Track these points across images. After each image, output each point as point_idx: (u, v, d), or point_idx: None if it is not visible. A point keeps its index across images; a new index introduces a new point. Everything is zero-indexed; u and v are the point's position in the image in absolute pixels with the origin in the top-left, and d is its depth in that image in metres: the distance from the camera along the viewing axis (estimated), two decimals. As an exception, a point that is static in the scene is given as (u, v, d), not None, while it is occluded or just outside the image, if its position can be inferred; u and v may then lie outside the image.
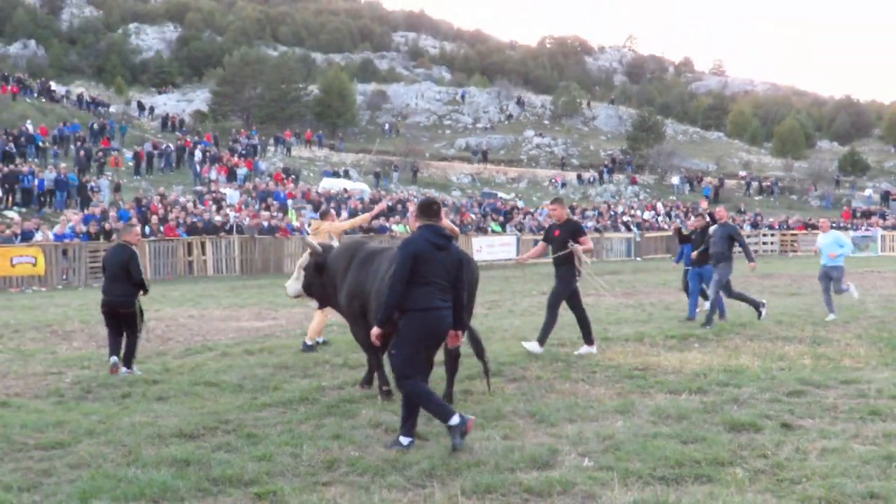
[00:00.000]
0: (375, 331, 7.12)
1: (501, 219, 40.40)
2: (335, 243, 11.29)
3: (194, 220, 29.01)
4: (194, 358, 11.64)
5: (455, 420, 6.80)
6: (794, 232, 45.02)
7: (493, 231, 37.98)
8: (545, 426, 7.49)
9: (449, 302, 7.07)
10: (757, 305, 14.62)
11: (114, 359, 10.41)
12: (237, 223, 29.83)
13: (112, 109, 65.47)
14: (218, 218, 29.89)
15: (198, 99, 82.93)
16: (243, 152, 52.37)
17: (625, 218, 44.85)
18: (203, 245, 28.13)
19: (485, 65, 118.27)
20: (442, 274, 7.01)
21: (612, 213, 46.19)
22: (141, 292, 10.58)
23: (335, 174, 54.49)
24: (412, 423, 7.03)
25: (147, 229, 26.96)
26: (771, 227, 46.72)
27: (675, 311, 16.43)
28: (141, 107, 72.94)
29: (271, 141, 64.10)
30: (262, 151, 57.60)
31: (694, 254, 15.12)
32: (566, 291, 11.36)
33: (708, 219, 15.91)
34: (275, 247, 29.78)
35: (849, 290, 15.41)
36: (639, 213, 48.01)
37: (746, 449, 6.64)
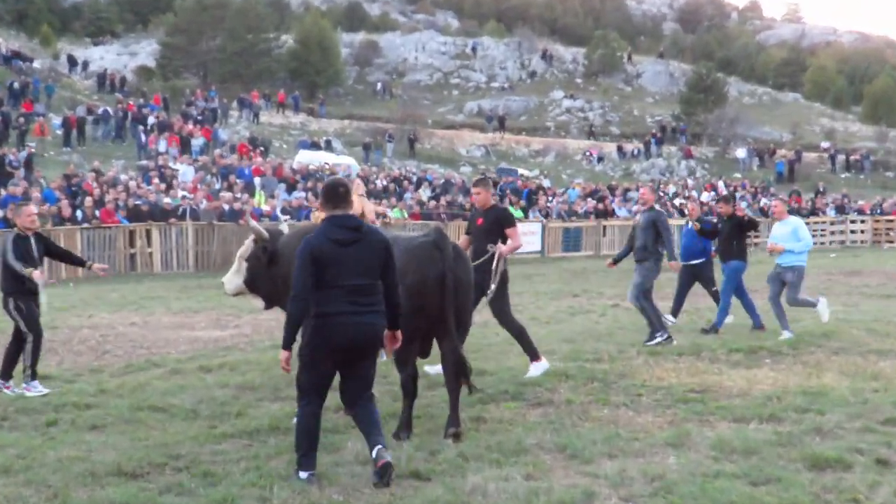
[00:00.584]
0: (284, 355, 7.23)
1: (523, 202, 40.33)
2: (284, 227, 11.31)
3: (138, 202, 28.99)
4: (137, 376, 11.61)
5: (303, 475, 7.07)
6: (890, 218, 44.82)
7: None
8: (578, 463, 7.47)
9: (368, 305, 7.12)
10: (655, 330, 13.73)
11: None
12: (191, 207, 29.82)
13: (36, 65, 65.39)
14: (167, 200, 29.87)
15: (143, 52, 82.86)
16: (199, 118, 52.33)
17: (677, 201, 44.81)
18: (149, 234, 28.11)
19: (501, 9, 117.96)
20: (354, 273, 7.06)
21: (662, 194, 46.13)
22: (33, 273, 10.58)
23: (314, 146, 54.49)
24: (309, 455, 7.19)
25: (79, 214, 26.94)
26: (861, 211, 46.59)
27: (741, 318, 16.36)
28: (72, 61, 72.86)
29: (234, 104, 64.09)
30: (222, 117, 57.60)
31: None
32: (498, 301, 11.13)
33: (735, 205, 16.25)
34: (238, 237, 29.61)
35: (816, 305, 14.64)
36: (695, 194, 47.97)
37: (832, 491, 6.60)
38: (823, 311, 14.61)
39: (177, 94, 60.92)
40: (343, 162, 46.69)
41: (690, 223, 16.45)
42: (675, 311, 16.38)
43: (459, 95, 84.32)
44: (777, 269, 14.51)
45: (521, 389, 10.08)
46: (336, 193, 7.24)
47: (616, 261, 15.14)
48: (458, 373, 8.46)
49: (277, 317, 16.56)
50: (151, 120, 47.59)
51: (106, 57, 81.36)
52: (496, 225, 11.08)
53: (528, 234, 35.84)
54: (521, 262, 32.10)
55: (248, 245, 10.12)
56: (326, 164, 44.07)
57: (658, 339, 13.40)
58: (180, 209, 29.51)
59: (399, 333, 7.51)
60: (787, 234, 14.42)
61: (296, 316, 7.04)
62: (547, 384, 10.32)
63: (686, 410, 9.17)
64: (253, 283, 10.13)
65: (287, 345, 7.13)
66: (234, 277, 10.27)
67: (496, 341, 13.72)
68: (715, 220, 17.59)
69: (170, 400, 10.02)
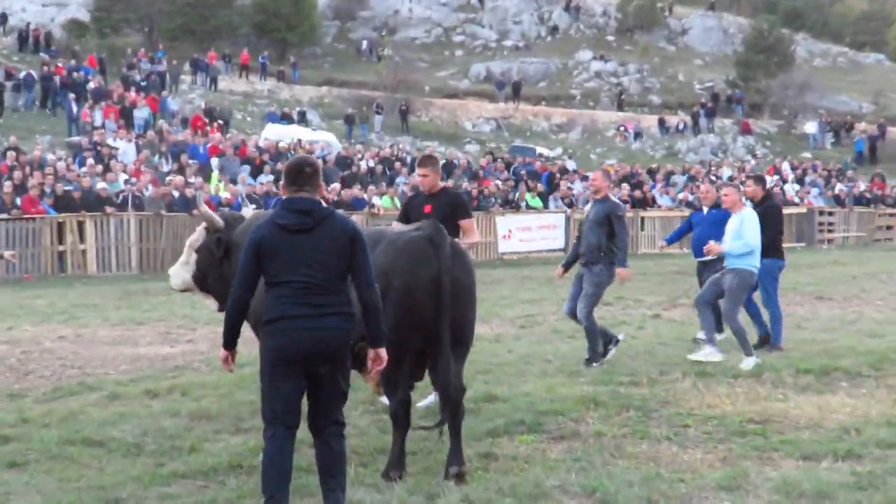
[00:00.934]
0: (222, 353, 7.42)
1: (542, 187, 40.32)
2: (248, 212, 11.30)
3: (68, 188, 28.98)
4: (67, 402, 11.61)
5: None
6: None
7: (530, 207, 37.93)
8: (610, 510, 7.45)
9: (327, 307, 7.12)
10: (593, 357, 13.60)
11: None
12: (134, 194, 29.83)
13: (-58, 18, 65.63)
14: (104, 185, 29.86)
15: (74, 2, 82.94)
16: (144, 84, 52.35)
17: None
18: (81, 227, 28.11)
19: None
20: (304, 266, 7.07)
21: (713, 178, 46.07)
22: None
23: (285, 118, 54.49)
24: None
25: (-5, 203, 26.97)
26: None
27: (810, 332, 16.40)
28: (-13, 14, 73.10)
29: (187, 67, 64.12)
30: (172, 83, 57.64)
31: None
32: None
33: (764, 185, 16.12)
34: (192, 231, 29.72)
35: (745, 352, 13.55)
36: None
37: (924, 546, 6.61)
38: (748, 362, 13.33)
39: (116, 54, 60.98)
40: (321, 138, 46.72)
41: (705, 210, 16.38)
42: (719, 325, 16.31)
43: (464, 57, 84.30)
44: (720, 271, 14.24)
45: (539, 419, 10.08)
46: (300, 173, 7.25)
47: (566, 266, 14.80)
48: (457, 400, 8.42)
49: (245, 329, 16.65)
50: (82, 87, 47.50)
51: (28, 9, 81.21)
52: (447, 214, 10.81)
53: (548, 228, 36.05)
54: (540, 262, 32.11)
55: (199, 233, 10.14)
56: (300, 140, 44.06)
57: (594, 366, 13.31)
58: (120, 196, 29.52)
59: (383, 352, 7.44)
60: (736, 227, 13.94)
61: (229, 319, 7.21)
62: (573, 413, 10.33)
63: (743, 445, 9.18)
64: (203, 280, 10.14)
65: (227, 344, 7.31)
66: (181, 270, 10.30)
67: (509, 359, 13.75)
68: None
69: (108, 432, 10.01)
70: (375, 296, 7.29)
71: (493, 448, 9.21)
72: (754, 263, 13.73)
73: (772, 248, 14.85)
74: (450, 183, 36.95)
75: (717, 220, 15.04)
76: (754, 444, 9.16)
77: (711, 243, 14.06)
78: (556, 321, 18.66)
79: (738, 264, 13.59)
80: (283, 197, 7.25)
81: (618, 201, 14.68)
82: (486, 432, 9.60)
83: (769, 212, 15.19)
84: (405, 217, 11.30)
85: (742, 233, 13.64)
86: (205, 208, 10.40)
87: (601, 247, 13.60)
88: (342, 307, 7.15)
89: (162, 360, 14.63)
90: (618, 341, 13.97)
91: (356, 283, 7.19)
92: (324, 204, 7.28)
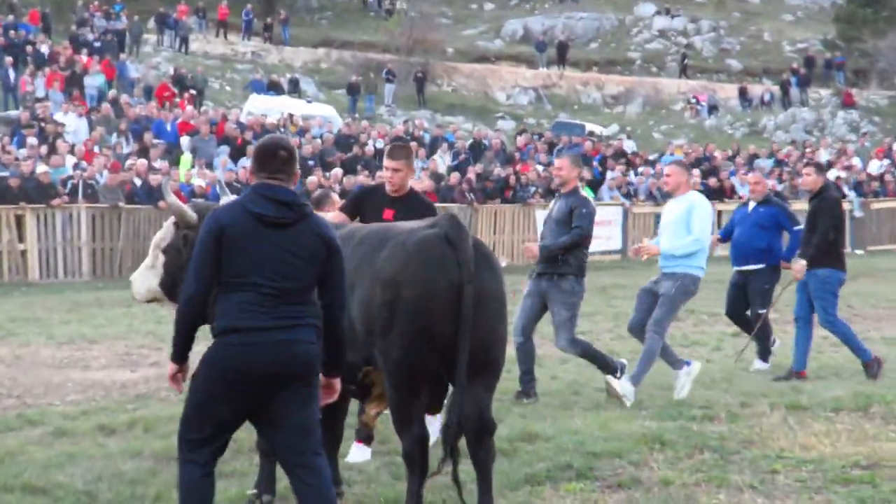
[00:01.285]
0: (171, 368, 7.50)
1: (594, 174, 40.33)
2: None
3: (3, 174, 29.11)
4: (4, 439, 11.65)
5: None
6: None
7: (579, 197, 37.96)
8: (681, 576, 7.47)
9: (295, 318, 7.13)
10: (613, 369, 13.56)
11: None
12: (85, 181, 29.92)
13: None
14: (47, 170, 29.96)
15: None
16: (98, 45, 52.54)
17: (832, 172, 44.71)
18: (20, 222, 28.22)
19: None
20: (273, 269, 7.08)
21: (808, 161, 45.97)
22: None
23: (272, 88, 54.64)
24: None
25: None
26: None
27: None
28: None
29: (151, 24, 64.34)
30: (133, 44, 57.83)
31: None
32: None
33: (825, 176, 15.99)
34: (157, 227, 29.80)
35: (677, 368, 13.70)
36: (858, 162, 47.84)
37: None
38: (682, 384, 13.64)
39: (63, 8, 61.19)
40: (318, 113, 46.85)
41: (751, 204, 16.27)
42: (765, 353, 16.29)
43: (496, 11, 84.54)
44: (659, 277, 13.94)
45: (591, 463, 10.08)
46: (274, 156, 7.25)
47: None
48: (484, 437, 8.38)
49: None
50: (21, 49, 47.75)
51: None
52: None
53: (602, 225, 35.90)
54: (592, 267, 31.96)
55: (166, 230, 10.15)
56: (291, 116, 44.14)
57: (614, 384, 13.15)
58: (69, 184, 29.62)
59: (337, 382, 7.51)
60: (679, 218, 13.64)
61: (183, 324, 7.23)
62: (631, 454, 10.34)
63: (847, 495, 9.16)
64: (173, 287, 10.09)
65: (178, 357, 7.37)
66: (146, 276, 10.26)
67: (554, 388, 13.77)
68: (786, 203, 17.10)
69: (53, 476, 10.01)
70: (345, 321, 7.42)
71: (532, 498, 9.20)
72: (697, 265, 13.56)
73: (829, 254, 14.67)
74: (479, 168, 37.14)
75: (764, 219, 15.05)
76: (860, 495, 9.14)
77: (644, 242, 14.31)
78: (611, 340, 18.73)
79: (679, 268, 13.50)
80: (259, 182, 7.22)
81: (586, 197, 14.03)
82: (524, 479, 9.59)
83: (824, 205, 15.01)
84: (354, 215, 11.05)
85: (691, 225, 13.44)
86: (173, 199, 10.37)
87: (560, 251, 13.35)
88: (312, 319, 7.15)
89: (120, 387, 14.70)
90: (623, 368, 13.67)
91: (327, 301, 7.21)
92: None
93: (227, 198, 10.85)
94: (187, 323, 7.18)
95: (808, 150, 49.71)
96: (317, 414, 7.32)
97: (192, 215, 9.74)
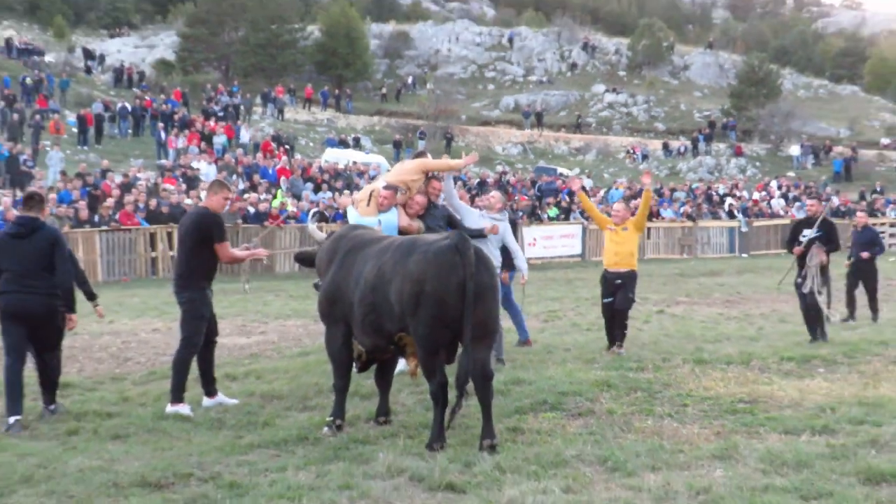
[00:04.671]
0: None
1: (563, 202, 40.27)
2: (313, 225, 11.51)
3: (158, 204, 29.19)
4: (160, 384, 11.68)
5: (11, 420, 9.25)
6: (956, 219, 44.49)
7: (551, 218, 37.92)
8: (620, 476, 7.53)
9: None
10: None
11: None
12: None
13: (50, 59, 65.99)
14: (189, 201, 30.02)
15: (161, 45, 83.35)
16: (221, 115, 52.59)
17: (727, 201, 44.61)
18: (170, 237, 28.23)
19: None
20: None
21: (710, 194, 45.93)
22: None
23: (342, 143, 54.69)
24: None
25: (96, 217, 27.16)
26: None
27: (793, 324, 16.35)
28: (88, 55, 73.27)
29: (258, 100, 64.37)
30: (245, 114, 57.85)
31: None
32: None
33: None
34: (263, 239, 29.87)
35: None
36: (745, 194, 47.73)
37: (888, 507, 6.64)
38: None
39: (197, 89, 61.20)
40: (373, 160, 46.83)
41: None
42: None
43: (495, 90, 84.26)
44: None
45: (560, 399, 10.12)
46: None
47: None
48: (486, 383, 8.46)
49: (305, 324, 16.82)
50: (169, 117, 47.78)
51: (123, 50, 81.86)
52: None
53: (568, 237, 35.98)
54: (561, 266, 32.13)
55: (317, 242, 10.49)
56: (355, 162, 44.21)
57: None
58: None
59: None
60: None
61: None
62: (588, 394, 10.36)
63: (734, 422, 9.21)
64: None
65: None
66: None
67: (534, 349, 13.79)
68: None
69: (194, 409, 10.16)
70: None
71: (520, 423, 9.26)
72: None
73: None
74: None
75: None
76: (743, 421, 9.20)
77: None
78: (574, 316, 18.71)
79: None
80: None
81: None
82: (514, 410, 9.68)
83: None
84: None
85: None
86: (312, 227, 10.77)
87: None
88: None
89: (239, 349, 14.73)
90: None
91: None
92: None
93: (313, 222, 11.07)
94: None
95: (710, 186, 49.63)
96: None
97: (321, 236, 10.17)
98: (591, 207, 14.47)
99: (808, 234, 14.36)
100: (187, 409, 10.09)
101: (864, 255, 17.94)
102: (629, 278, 13.74)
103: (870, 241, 17.91)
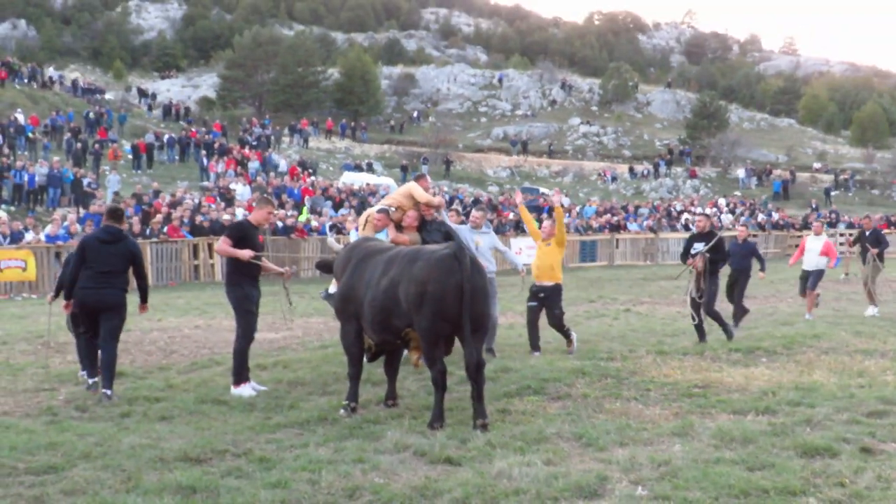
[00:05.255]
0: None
1: (544, 216, 40.24)
2: (331, 238, 11.51)
3: (200, 219, 29.17)
4: (201, 373, 11.72)
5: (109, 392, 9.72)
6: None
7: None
8: (593, 450, 7.49)
9: None
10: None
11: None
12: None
13: (109, 96, 66.16)
14: (226, 217, 29.96)
15: (204, 84, 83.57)
16: (255, 144, 52.66)
17: (683, 216, 44.62)
18: (210, 247, 28.24)
19: (525, 44, 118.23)
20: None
21: (669, 210, 45.96)
22: None
23: (357, 168, 54.68)
24: None
25: (147, 230, 27.16)
26: (852, 225, 46.24)
27: (741, 323, 16.33)
28: (142, 93, 73.58)
29: (286, 131, 64.46)
30: (275, 143, 57.93)
31: None
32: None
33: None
34: (290, 249, 29.87)
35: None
36: (699, 210, 47.73)
37: (821, 476, 6.59)
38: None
39: (235, 122, 61.38)
40: (383, 182, 46.84)
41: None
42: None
43: (487, 122, 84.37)
44: None
45: (542, 384, 10.08)
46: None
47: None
48: (479, 371, 8.37)
49: (326, 321, 16.75)
50: (210, 146, 47.86)
51: (171, 89, 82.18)
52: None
53: (548, 247, 35.87)
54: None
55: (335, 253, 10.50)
56: (368, 184, 44.21)
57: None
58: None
59: None
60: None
61: None
62: (566, 380, 10.31)
63: (690, 404, 9.16)
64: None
65: None
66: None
67: (520, 342, 13.75)
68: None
69: (230, 394, 10.11)
70: None
71: (507, 406, 9.22)
72: None
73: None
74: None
75: None
76: (698, 403, 9.15)
77: None
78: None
79: None
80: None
81: (442, 220, 11.79)
82: (502, 394, 9.63)
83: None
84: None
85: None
86: (331, 240, 10.80)
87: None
88: None
89: (269, 342, 14.68)
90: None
91: None
92: None
93: (331, 234, 11.08)
94: None
95: (670, 203, 49.65)
96: None
97: (338, 246, 10.20)
98: (529, 220, 13.64)
99: (698, 247, 13.96)
100: (249, 390, 10.14)
101: (761, 274, 17.34)
102: (553, 292, 12.89)
103: (749, 253, 16.98)
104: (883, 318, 16.69)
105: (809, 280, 17.86)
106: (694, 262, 13.72)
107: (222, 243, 10.43)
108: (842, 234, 44.20)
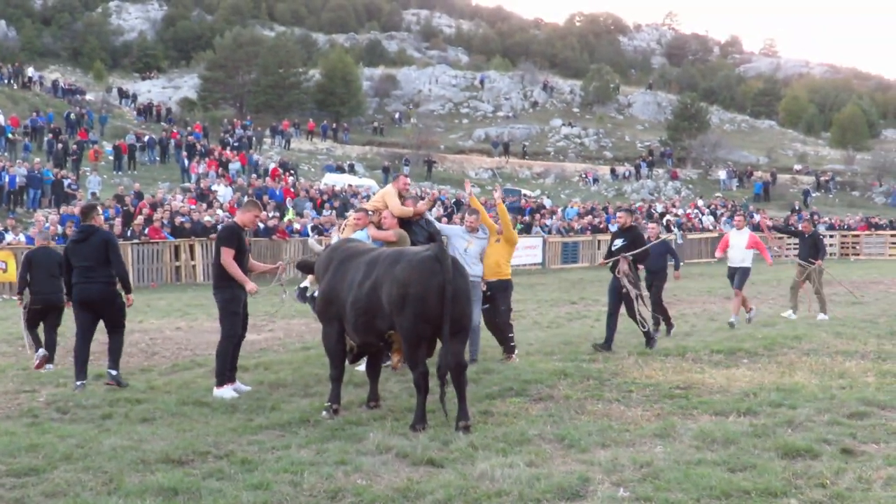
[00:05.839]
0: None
1: (525, 219, 40.31)
2: (312, 240, 11.49)
3: (182, 220, 29.08)
4: (182, 375, 11.69)
5: (78, 383, 9.90)
6: (857, 233, 44.84)
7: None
8: (575, 452, 7.49)
9: None
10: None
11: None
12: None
13: (90, 97, 65.80)
14: (208, 218, 29.94)
15: (185, 85, 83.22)
16: (236, 145, 52.52)
17: (665, 218, 44.78)
18: (192, 248, 28.20)
19: (506, 46, 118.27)
20: None
21: (651, 212, 46.11)
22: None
23: (339, 169, 54.62)
24: None
25: (129, 231, 27.06)
26: (832, 226, 46.53)
27: (721, 322, 16.40)
28: (122, 94, 73.31)
29: (268, 132, 64.34)
30: (257, 144, 57.79)
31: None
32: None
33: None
34: (272, 250, 29.80)
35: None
36: (680, 211, 47.92)
37: (802, 477, 6.62)
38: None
39: (216, 123, 61.24)
40: (365, 183, 46.83)
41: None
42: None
43: (469, 124, 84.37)
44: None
45: (524, 386, 10.08)
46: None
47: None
48: (461, 372, 8.37)
49: (308, 322, 16.71)
50: (191, 147, 47.76)
51: (152, 90, 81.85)
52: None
53: (530, 248, 35.98)
54: (524, 273, 32.11)
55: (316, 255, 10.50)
56: (350, 185, 44.18)
57: None
58: (219, 226, 29.54)
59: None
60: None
61: None
62: (548, 381, 10.29)
63: (672, 405, 9.17)
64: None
65: None
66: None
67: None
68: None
69: (212, 396, 10.07)
70: None
71: (490, 407, 9.21)
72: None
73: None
74: (459, 216, 37.10)
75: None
76: (679, 404, 9.16)
77: None
78: (536, 315, 18.69)
79: None
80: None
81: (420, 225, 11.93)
82: (485, 396, 9.62)
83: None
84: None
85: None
86: (312, 242, 10.86)
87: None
88: None
89: (250, 344, 14.59)
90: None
91: None
92: None
93: (313, 236, 11.12)
94: None
95: (651, 205, 49.79)
96: None
97: (319, 248, 10.28)
98: (485, 217, 13.20)
99: (618, 243, 13.88)
100: (231, 392, 10.14)
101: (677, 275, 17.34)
102: (498, 289, 12.30)
103: (664, 252, 16.71)
104: (863, 320, 16.76)
105: (735, 279, 16.94)
106: (618, 268, 13.65)
107: (226, 256, 10.40)
108: (822, 235, 44.49)
